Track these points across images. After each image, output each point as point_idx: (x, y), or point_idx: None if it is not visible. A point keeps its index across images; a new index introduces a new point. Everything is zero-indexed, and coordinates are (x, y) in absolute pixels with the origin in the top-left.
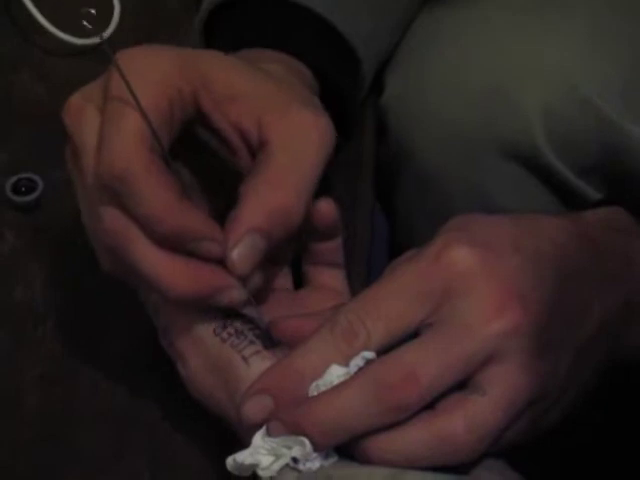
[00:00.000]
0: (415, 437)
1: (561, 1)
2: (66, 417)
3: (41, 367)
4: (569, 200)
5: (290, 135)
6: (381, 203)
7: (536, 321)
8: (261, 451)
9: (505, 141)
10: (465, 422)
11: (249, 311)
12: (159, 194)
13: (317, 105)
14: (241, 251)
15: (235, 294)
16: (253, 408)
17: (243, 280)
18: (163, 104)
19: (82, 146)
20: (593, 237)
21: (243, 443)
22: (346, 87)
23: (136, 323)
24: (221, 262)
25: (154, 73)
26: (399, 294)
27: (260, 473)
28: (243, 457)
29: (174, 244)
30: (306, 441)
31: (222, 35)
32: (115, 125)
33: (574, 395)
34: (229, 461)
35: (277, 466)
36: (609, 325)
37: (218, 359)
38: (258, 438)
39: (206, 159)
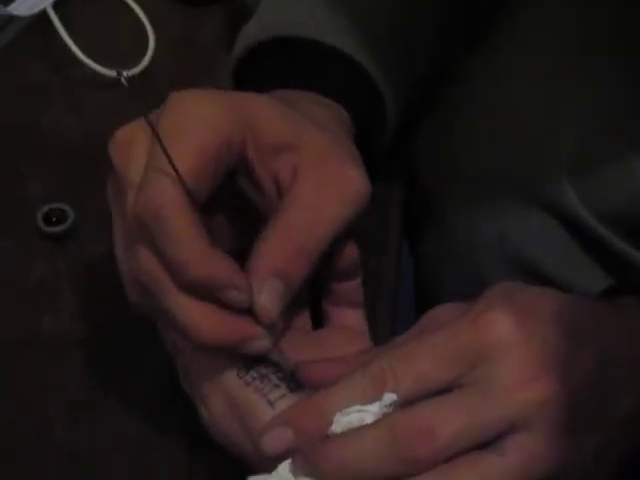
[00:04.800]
0: None
1: (591, 63)
2: (90, 446)
3: (67, 396)
4: (594, 249)
5: (317, 186)
6: (407, 239)
7: (566, 397)
8: None
9: (533, 191)
10: (475, 478)
11: (273, 356)
12: (189, 239)
13: (356, 158)
14: (267, 298)
15: (263, 343)
16: (273, 439)
17: (269, 327)
18: (212, 153)
19: (126, 182)
20: (631, 325)
21: None
22: (374, 129)
23: (163, 354)
24: (246, 309)
25: (206, 121)
26: (434, 352)
27: None
28: None
29: (200, 291)
30: None
31: (253, 77)
32: (158, 164)
33: None
34: None
35: None
36: (635, 417)
37: (242, 403)
38: (285, 468)
39: (238, 201)
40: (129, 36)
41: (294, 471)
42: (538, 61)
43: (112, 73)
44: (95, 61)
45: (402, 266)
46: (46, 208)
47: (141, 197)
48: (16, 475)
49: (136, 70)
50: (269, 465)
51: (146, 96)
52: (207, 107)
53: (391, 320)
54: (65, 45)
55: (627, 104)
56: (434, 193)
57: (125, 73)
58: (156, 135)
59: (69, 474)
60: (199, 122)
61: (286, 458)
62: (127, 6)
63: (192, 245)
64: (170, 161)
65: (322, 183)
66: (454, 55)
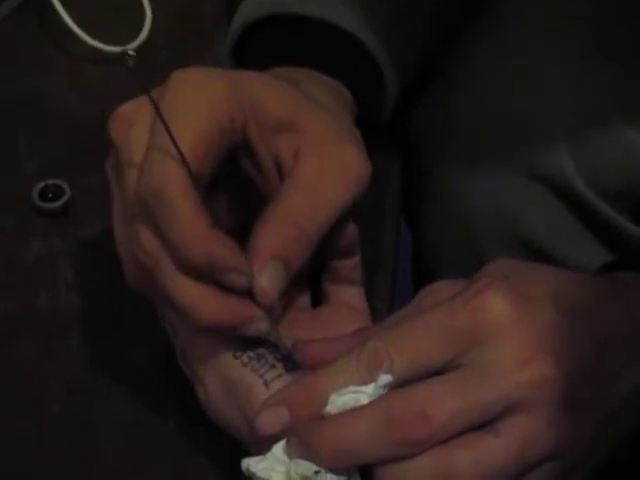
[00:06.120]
0: (421, 467)
1: (595, 45)
2: (86, 426)
3: (64, 375)
4: (593, 224)
5: (319, 169)
6: (405, 215)
7: (565, 378)
8: (277, 467)
9: (532, 165)
10: (471, 459)
11: (270, 335)
12: (191, 220)
13: (357, 140)
14: (267, 281)
15: (262, 326)
16: (268, 418)
17: (268, 309)
18: (214, 133)
19: (127, 160)
20: (629, 303)
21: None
22: (374, 106)
23: (160, 334)
24: (247, 291)
25: (208, 100)
26: (429, 332)
27: None
28: (258, 466)
29: (200, 272)
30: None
31: (252, 54)
32: (161, 144)
33: (597, 463)
34: (244, 463)
35: None
36: (633, 393)
37: (239, 383)
38: (279, 449)
39: (240, 182)
40: (126, 10)
41: (288, 452)
42: (538, 35)
43: (110, 49)
44: (92, 36)
45: (400, 239)
46: (42, 184)
47: (143, 177)
48: (13, 453)
49: (133, 45)
50: (264, 446)
51: (148, 74)
52: (209, 87)
53: (389, 295)
54: (62, 20)
55: (628, 80)
56: (432, 166)
57: (130, 52)
58: (160, 115)
59: (66, 451)
60: (202, 102)
61: (281, 439)
62: None
63: (193, 226)
64: (173, 141)
65: (323, 166)
66: (453, 32)
